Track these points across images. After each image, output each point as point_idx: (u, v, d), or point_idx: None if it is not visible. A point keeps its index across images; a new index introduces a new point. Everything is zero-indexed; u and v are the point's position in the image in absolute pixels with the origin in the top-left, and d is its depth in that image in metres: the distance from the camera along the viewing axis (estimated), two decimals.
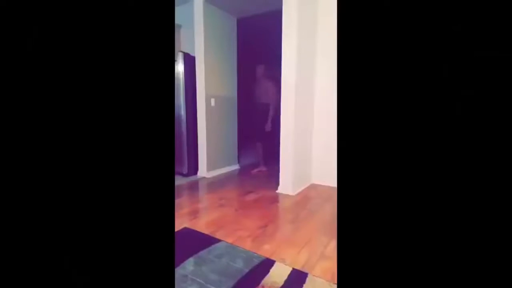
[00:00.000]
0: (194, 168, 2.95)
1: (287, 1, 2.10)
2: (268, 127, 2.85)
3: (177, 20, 3.41)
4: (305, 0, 2.19)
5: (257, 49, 4.46)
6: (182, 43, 3.44)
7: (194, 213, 1.85)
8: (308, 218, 1.77)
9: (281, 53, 2.18)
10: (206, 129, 2.83)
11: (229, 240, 1.42)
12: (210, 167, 2.93)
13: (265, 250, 1.33)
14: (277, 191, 2.35)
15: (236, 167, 3.33)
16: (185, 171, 2.89)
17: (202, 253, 1.28)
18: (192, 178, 2.85)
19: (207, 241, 1.40)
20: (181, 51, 2.75)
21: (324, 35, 2.46)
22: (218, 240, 1.41)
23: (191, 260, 1.21)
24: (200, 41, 2.72)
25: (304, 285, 1.05)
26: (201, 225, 1.63)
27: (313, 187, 2.54)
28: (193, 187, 2.55)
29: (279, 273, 1.13)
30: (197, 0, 2.66)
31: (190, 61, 2.79)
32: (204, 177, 2.88)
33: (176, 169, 2.94)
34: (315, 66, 2.53)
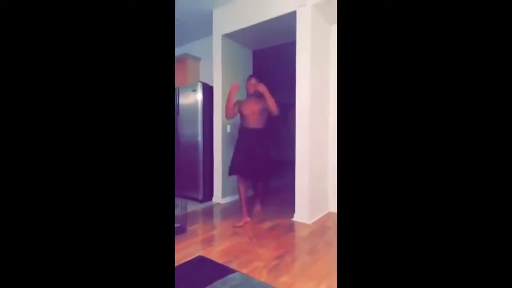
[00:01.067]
0: (209, 194, 2.96)
1: (301, 33, 2.22)
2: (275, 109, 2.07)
3: (197, 53, 3.65)
4: (318, 31, 2.30)
5: (272, 78, 4.62)
6: (201, 74, 3.64)
7: (209, 241, 1.82)
8: (326, 249, 1.69)
9: (295, 81, 2.26)
10: (222, 155, 2.87)
11: (245, 271, 1.38)
12: (225, 193, 2.93)
13: (282, 283, 1.27)
14: (292, 219, 2.29)
15: (250, 193, 3.30)
16: (200, 196, 2.90)
17: (217, 284, 1.24)
18: (206, 204, 2.85)
19: (221, 271, 1.37)
20: (200, 81, 2.91)
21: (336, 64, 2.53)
22: (233, 271, 1.37)
23: None
24: (218, 72, 2.87)
25: None
26: (216, 254, 1.60)
27: (330, 215, 2.45)
28: (208, 213, 2.54)
29: None
30: (216, 35, 2.86)
31: (208, 91, 2.93)
32: (218, 203, 2.87)
33: (191, 194, 2.96)
34: (329, 91, 2.58)
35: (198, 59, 3.62)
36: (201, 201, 2.89)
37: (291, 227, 2.11)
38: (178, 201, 2.06)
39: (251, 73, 3.28)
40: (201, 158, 2.90)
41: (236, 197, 3.07)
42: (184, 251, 1.63)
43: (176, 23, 3.05)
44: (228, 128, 2.94)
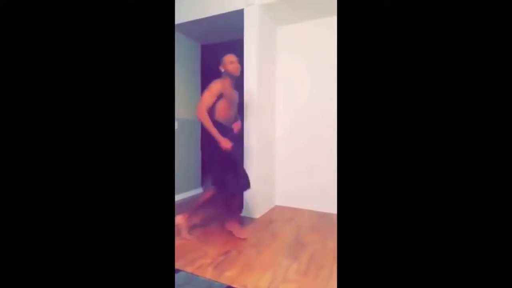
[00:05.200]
0: None
1: (248, 32, 2.26)
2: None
3: None
4: (264, 30, 2.36)
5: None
6: None
7: None
8: (271, 241, 1.78)
9: (243, 78, 2.29)
10: None
11: (190, 269, 1.36)
12: None
13: (227, 277, 1.30)
14: (240, 215, 2.33)
15: (199, 191, 3.25)
16: None
17: None
18: None
19: None
20: None
21: (282, 63, 2.65)
22: (177, 270, 1.34)
23: None
24: None
25: None
26: None
27: (276, 208, 2.58)
28: None
29: None
30: None
31: None
32: None
33: None
34: (276, 85, 2.68)
35: None
36: None
37: (239, 223, 2.15)
38: None
39: (199, 67, 3.20)
40: None
41: (184, 195, 2.98)
42: None
43: None
44: (176, 124, 2.82)
